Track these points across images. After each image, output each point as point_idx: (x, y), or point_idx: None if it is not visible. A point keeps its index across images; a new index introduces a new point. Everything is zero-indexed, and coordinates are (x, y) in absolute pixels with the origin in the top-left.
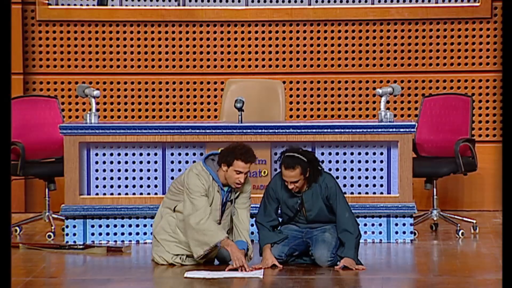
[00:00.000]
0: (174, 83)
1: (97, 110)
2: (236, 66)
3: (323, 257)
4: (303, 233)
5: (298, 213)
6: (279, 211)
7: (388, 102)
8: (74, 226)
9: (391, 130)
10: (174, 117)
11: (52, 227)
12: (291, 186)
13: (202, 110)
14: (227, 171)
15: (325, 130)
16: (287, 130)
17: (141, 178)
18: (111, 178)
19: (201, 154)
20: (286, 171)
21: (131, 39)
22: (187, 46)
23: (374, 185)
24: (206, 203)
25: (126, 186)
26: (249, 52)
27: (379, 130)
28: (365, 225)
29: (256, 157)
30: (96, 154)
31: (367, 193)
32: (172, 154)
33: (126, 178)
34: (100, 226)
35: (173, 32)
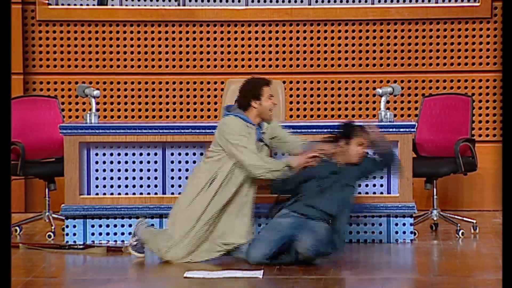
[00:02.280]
0: (174, 83)
1: (97, 110)
2: (236, 66)
3: (305, 243)
4: (295, 226)
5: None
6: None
7: (388, 102)
8: (74, 226)
9: (391, 130)
10: (174, 117)
11: (52, 227)
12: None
13: (202, 110)
14: (261, 104)
15: (325, 130)
16: (287, 130)
17: (141, 178)
18: (111, 178)
19: (201, 154)
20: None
21: (131, 39)
22: (187, 46)
23: (374, 185)
24: (253, 143)
25: (126, 186)
26: (249, 52)
27: (379, 130)
28: (365, 225)
29: None
30: (96, 154)
31: (367, 193)
32: (172, 154)
33: (126, 178)
34: (100, 226)
35: (173, 32)
